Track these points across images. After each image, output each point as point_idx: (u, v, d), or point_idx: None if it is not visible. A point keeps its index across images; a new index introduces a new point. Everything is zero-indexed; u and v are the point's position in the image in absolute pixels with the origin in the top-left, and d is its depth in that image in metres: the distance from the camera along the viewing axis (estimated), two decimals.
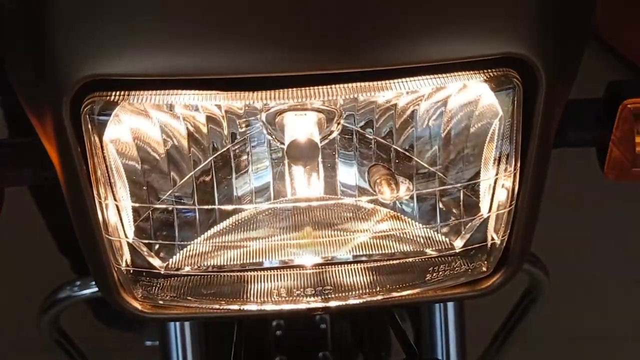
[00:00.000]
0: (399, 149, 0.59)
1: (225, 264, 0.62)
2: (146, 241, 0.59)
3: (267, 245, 0.62)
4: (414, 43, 0.49)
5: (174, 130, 0.55)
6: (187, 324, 0.84)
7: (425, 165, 0.59)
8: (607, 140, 0.69)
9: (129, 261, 0.60)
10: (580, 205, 2.42)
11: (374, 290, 0.62)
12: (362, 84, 0.52)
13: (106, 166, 0.55)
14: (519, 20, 0.50)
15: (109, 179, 0.55)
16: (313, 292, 0.62)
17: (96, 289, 0.88)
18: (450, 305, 0.83)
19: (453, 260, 0.63)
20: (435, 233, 0.63)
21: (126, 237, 0.58)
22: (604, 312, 2.05)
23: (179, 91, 0.52)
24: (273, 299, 0.61)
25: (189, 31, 0.48)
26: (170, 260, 0.61)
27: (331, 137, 0.58)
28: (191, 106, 0.54)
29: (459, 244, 0.62)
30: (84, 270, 0.88)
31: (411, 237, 0.63)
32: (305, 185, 0.60)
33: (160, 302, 0.62)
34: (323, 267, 0.63)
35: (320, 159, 0.59)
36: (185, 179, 0.57)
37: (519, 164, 0.57)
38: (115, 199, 0.56)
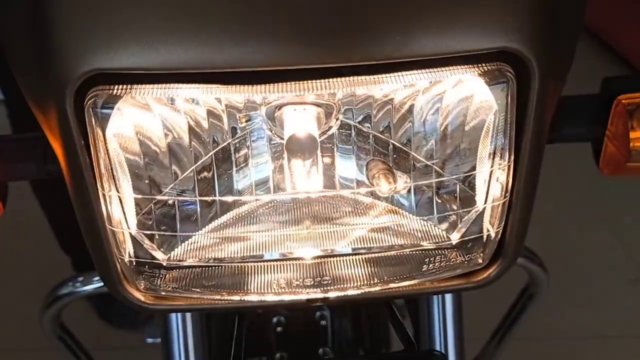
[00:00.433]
0: (396, 143, 0.60)
1: (226, 256, 0.63)
2: (148, 232, 0.60)
3: (267, 238, 0.63)
4: (409, 37, 0.50)
5: (175, 124, 0.56)
6: (189, 320, 0.84)
7: (422, 160, 0.60)
8: (602, 135, 0.70)
9: (131, 253, 0.60)
10: (579, 204, 2.43)
11: (372, 281, 0.63)
12: (359, 77, 0.53)
13: (109, 159, 0.55)
14: (512, 15, 0.51)
15: (112, 172, 0.56)
16: (312, 283, 0.62)
17: (98, 285, 0.90)
18: (448, 298, 0.84)
19: (449, 252, 0.64)
20: (432, 226, 0.64)
21: (129, 229, 0.59)
22: (602, 310, 2.06)
23: (180, 85, 0.53)
24: (273, 290, 0.62)
25: (189, 25, 0.49)
26: (173, 252, 0.62)
27: (330, 131, 0.59)
28: (192, 100, 0.54)
29: (455, 236, 0.63)
30: (85, 269, 0.90)
31: (409, 230, 0.64)
32: (304, 178, 0.60)
33: (163, 293, 0.63)
34: (322, 259, 0.64)
35: (319, 153, 0.60)
36: (187, 172, 0.58)
37: (512, 157, 0.58)
38: (118, 192, 0.57)
